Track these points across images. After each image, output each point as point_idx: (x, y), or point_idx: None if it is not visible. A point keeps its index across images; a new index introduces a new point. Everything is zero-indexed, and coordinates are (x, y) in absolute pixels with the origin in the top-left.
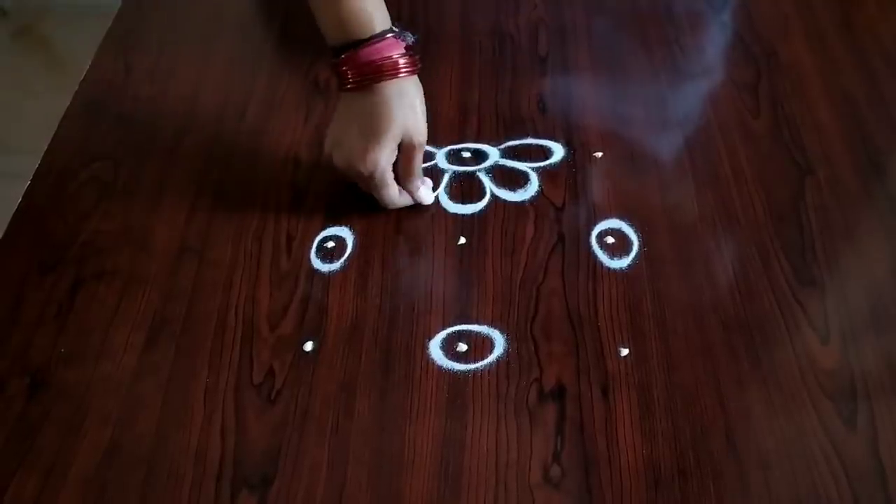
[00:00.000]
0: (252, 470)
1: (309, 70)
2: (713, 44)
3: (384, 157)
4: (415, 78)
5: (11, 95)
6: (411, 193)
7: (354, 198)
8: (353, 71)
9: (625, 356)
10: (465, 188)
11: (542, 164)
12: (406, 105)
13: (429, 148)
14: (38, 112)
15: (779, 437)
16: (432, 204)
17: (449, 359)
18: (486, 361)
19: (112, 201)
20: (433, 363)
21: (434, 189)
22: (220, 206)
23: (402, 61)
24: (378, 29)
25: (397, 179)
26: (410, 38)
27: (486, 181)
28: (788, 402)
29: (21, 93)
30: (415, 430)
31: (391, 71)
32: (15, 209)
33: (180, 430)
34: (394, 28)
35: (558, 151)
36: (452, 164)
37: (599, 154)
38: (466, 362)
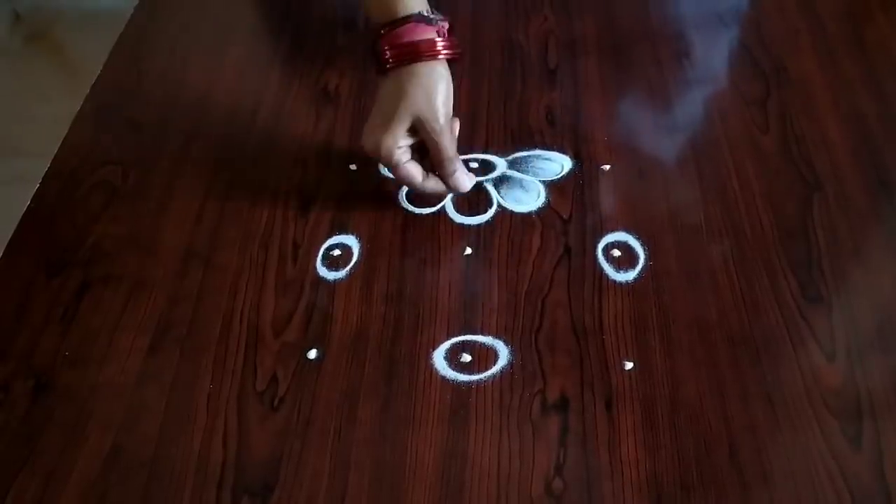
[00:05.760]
0: (253, 477)
1: (318, 78)
2: (722, 58)
3: (389, 140)
4: (440, 63)
5: (23, 99)
6: (444, 181)
7: (361, 206)
8: (392, 51)
9: (629, 370)
10: (472, 198)
11: (549, 175)
12: (419, 87)
13: None
14: (49, 115)
15: (783, 454)
16: (439, 214)
17: (452, 369)
18: (489, 372)
19: (120, 205)
20: (437, 373)
21: (441, 199)
22: (228, 212)
23: (439, 44)
24: (405, 12)
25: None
26: (441, 22)
27: (493, 192)
28: (793, 420)
29: (33, 96)
30: (417, 439)
31: (428, 52)
32: (24, 211)
33: (182, 435)
34: (424, 13)
35: (566, 163)
36: None
37: (607, 167)
38: (470, 373)
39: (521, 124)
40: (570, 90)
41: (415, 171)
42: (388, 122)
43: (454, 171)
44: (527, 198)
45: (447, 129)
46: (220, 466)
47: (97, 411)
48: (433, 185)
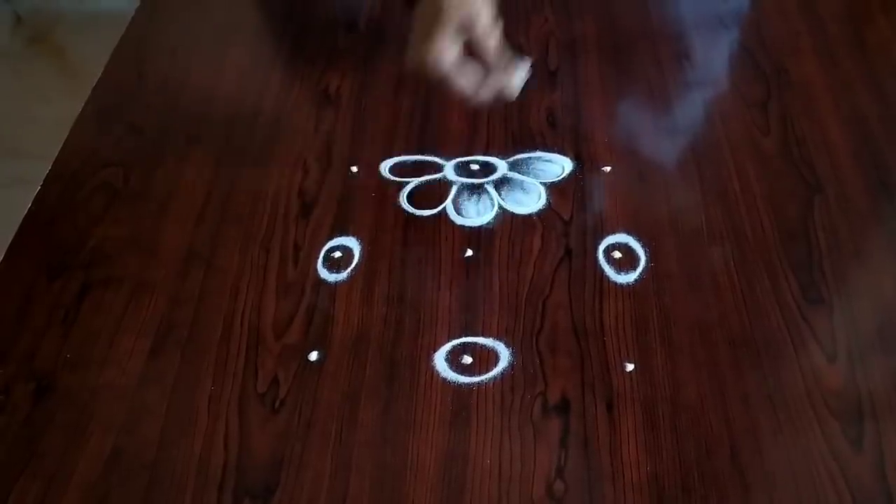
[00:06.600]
0: (254, 479)
1: (320, 79)
2: (723, 60)
3: (435, 48)
4: None
5: (24, 101)
6: (497, 83)
7: (362, 208)
8: None
9: (630, 371)
10: (473, 200)
11: (550, 177)
12: None
13: (437, 160)
14: (50, 118)
15: (784, 456)
16: (439, 215)
17: (454, 371)
18: (490, 374)
19: (121, 207)
20: (438, 375)
21: (442, 201)
22: (229, 214)
23: None
24: None
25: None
26: None
27: (494, 194)
28: (794, 421)
29: (34, 98)
30: (418, 441)
31: None
32: (25, 214)
33: (184, 437)
34: None
35: (567, 165)
36: (461, 175)
37: (608, 168)
38: (471, 375)
39: (521, 126)
40: (571, 92)
41: (471, 73)
42: (436, 24)
43: (506, 66)
44: (527, 199)
45: (495, 27)
46: (221, 469)
47: (98, 414)
48: (486, 91)
